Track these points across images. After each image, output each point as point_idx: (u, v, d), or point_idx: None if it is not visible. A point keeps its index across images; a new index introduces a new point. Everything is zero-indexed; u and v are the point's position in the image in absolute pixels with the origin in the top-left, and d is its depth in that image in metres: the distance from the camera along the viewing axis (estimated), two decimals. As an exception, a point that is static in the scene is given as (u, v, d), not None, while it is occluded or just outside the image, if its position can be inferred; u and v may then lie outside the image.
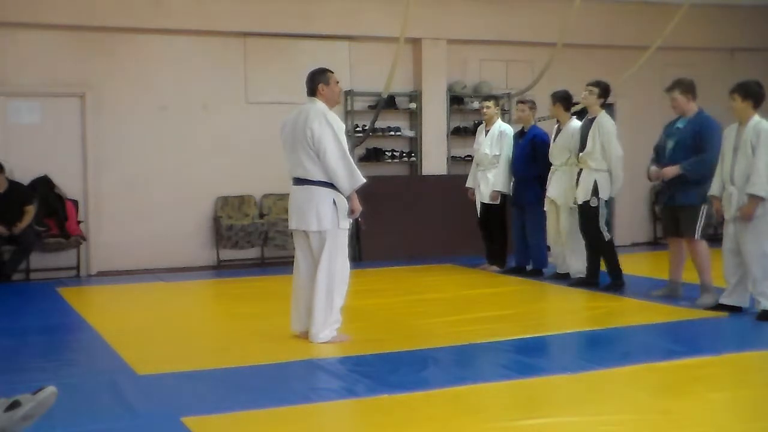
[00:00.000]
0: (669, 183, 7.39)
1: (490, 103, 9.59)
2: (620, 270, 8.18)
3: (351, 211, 5.95)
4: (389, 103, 11.14)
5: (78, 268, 10.17)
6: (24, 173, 9.99)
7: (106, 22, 10.21)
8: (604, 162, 8.05)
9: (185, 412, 4.35)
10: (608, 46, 12.26)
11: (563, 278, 8.68)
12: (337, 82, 6.06)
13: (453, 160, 11.81)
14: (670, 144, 7.40)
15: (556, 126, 8.87)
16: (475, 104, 11.89)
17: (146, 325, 7.05)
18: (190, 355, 5.80)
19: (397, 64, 10.15)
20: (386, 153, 11.38)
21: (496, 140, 9.43)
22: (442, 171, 11.66)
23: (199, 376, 5.19)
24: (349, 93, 11.13)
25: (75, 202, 10.22)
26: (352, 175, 5.83)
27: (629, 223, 12.81)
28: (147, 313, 7.68)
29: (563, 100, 8.77)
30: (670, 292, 7.62)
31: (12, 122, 10.05)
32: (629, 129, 12.78)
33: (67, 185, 10.24)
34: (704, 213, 7.26)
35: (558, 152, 8.69)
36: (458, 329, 6.42)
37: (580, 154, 8.20)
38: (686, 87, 7.42)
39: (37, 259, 10.00)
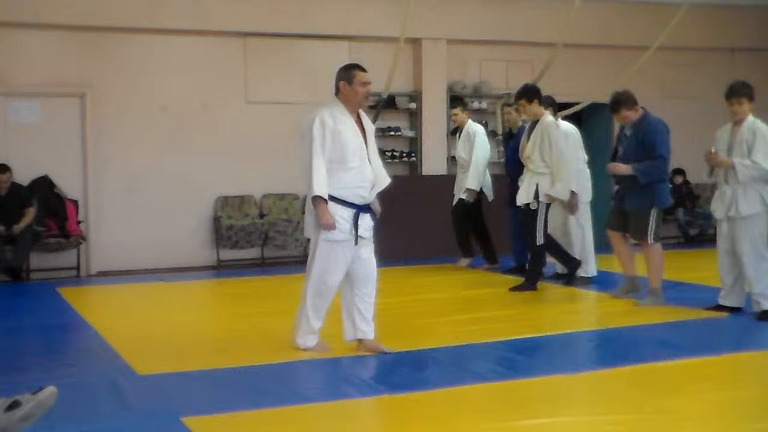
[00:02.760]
0: (621, 186, 7.39)
1: (458, 110, 9.81)
2: (538, 276, 8.20)
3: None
4: (389, 103, 11.14)
5: (78, 268, 10.17)
6: (24, 173, 9.99)
7: (107, 22, 10.21)
8: (544, 165, 8.02)
9: (185, 412, 4.35)
10: (608, 46, 12.26)
11: (563, 278, 8.69)
12: (365, 83, 5.49)
13: (453, 160, 11.77)
14: (620, 152, 7.43)
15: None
16: (476, 104, 11.90)
17: (146, 325, 7.05)
18: (190, 355, 5.80)
19: (397, 64, 10.16)
20: (386, 153, 11.37)
21: (466, 142, 9.67)
22: (442, 171, 11.67)
23: (199, 376, 5.19)
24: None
25: (75, 202, 10.22)
26: (309, 186, 5.36)
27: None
28: (147, 313, 7.68)
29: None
30: (630, 288, 7.56)
31: (12, 122, 10.06)
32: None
33: (67, 185, 10.24)
34: (654, 217, 7.22)
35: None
36: (458, 329, 6.42)
37: (524, 156, 8.20)
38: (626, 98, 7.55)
39: (37, 259, 10.00)
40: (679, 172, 12.84)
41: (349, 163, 5.38)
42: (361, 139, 5.47)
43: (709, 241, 12.94)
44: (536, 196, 8.02)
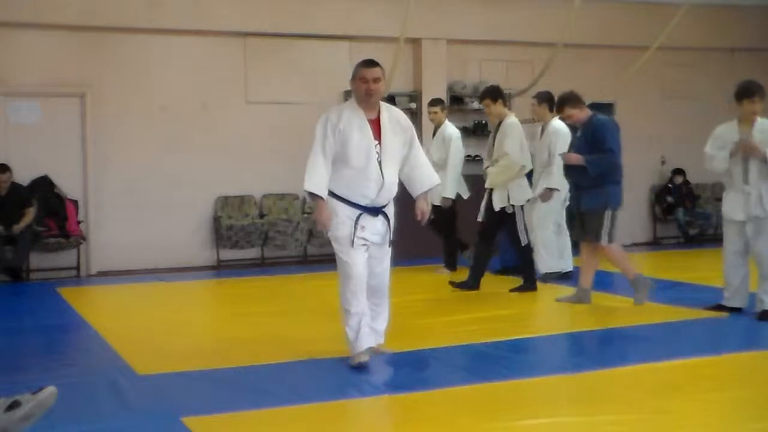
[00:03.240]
0: (576, 187, 7.40)
1: (437, 109, 9.49)
2: (533, 275, 8.17)
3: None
4: (389, 102, 11.13)
5: (78, 268, 10.17)
6: (24, 173, 9.99)
7: (107, 22, 10.21)
8: (526, 167, 8.02)
9: (185, 412, 4.35)
10: (608, 46, 12.26)
11: (562, 278, 8.69)
12: (364, 80, 5.25)
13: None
14: (571, 152, 7.43)
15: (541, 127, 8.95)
16: (475, 104, 11.89)
17: (146, 325, 7.05)
18: (190, 355, 5.80)
19: (397, 64, 10.16)
20: (386, 153, 11.37)
21: (440, 144, 9.33)
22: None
23: (199, 376, 5.19)
24: (349, 93, 11.13)
25: (75, 202, 10.22)
26: (304, 180, 5.26)
27: (629, 223, 12.80)
28: (147, 313, 7.68)
29: (548, 101, 8.77)
30: (579, 299, 7.44)
31: (12, 122, 10.06)
32: (629, 129, 12.75)
33: (67, 185, 10.24)
34: (609, 218, 7.21)
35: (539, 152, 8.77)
36: (458, 329, 6.41)
37: (491, 159, 8.21)
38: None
39: (37, 259, 10.00)
40: (679, 172, 12.84)
41: (352, 162, 5.19)
42: (371, 138, 5.22)
43: (709, 241, 12.95)
44: (509, 199, 7.97)
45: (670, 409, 4.37)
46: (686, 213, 12.80)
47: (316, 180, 5.20)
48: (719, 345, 5.91)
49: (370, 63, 5.35)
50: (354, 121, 5.24)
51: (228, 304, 8.24)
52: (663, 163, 13.11)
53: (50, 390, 3.81)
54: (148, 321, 7.22)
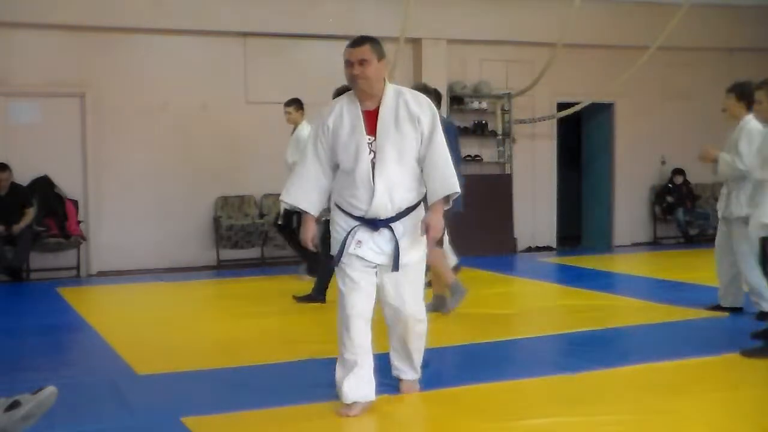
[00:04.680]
0: None
1: (290, 108, 9.01)
2: (323, 287, 7.58)
3: None
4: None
5: (78, 268, 10.17)
6: (24, 173, 9.99)
7: (106, 22, 10.21)
8: None
9: (185, 412, 4.35)
10: (608, 46, 12.26)
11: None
12: (348, 63, 4.33)
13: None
14: None
15: None
16: (476, 104, 11.90)
17: (146, 325, 7.05)
18: (190, 355, 5.80)
19: (397, 64, 10.16)
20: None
21: (295, 146, 8.74)
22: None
23: (199, 376, 5.19)
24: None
25: (75, 202, 10.22)
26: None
27: (629, 223, 12.82)
28: (147, 313, 7.68)
29: None
30: (435, 307, 6.99)
31: (12, 122, 10.05)
32: (629, 129, 12.82)
33: (67, 185, 10.24)
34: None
35: None
36: (457, 329, 6.41)
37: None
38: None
39: (37, 259, 10.00)
40: (679, 172, 12.83)
41: (343, 164, 4.37)
42: (362, 133, 4.31)
43: (709, 241, 12.91)
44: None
45: (670, 409, 4.38)
46: (686, 213, 12.80)
47: (296, 190, 4.48)
48: (719, 345, 5.90)
49: (356, 41, 4.36)
50: (345, 115, 4.39)
51: (228, 304, 8.23)
52: (663, 163, 13.10)
53: (50, 390, 3.81)
54: (148, 321, 7.22)
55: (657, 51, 10.78)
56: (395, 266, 4.31)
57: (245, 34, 10.91)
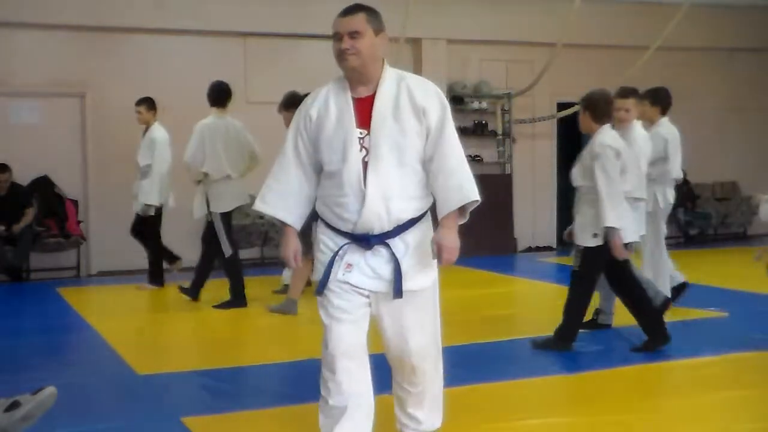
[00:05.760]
0: None
1: (142, 108, 8.83)
2: (240, 290, 7.66)
3: None
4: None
5: (78, 268, 10.17)
6: (24, 173, 9.99)
7: (107, 22, 10.21)
8: (211, 174, 7.69)
9: (185, 412, 4.36)
10: (608, 46, 12.26)
11: None
12: (337, 36, 3.54)
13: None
14: None
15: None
16: (476, 104, 11.90)
17: (146, 325, 7.06)
18: (190, 355, 5.81)
19: (397, 64, 10.14)
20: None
21: (146, 148, 8.71)
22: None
23: (199, 376, 5.19)
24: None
25: (75, 202, 10.22)
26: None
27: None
28: (147, 313, 7.69)
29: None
30: (283, 310, 7.15)
31: (12, 122, 10.06)
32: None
33: (67, 185, 10.24)
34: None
35: None
36: (457, 329, 6.41)
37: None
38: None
39: (37, 259, 10.00)
40: (680, 172, 12.82)
41: (328, 165, 3.49)
42: (351, 124, 3.44)
43: (709, 241, 12.97)
44: (209, 206, 7.69)
45: (669, 409, 4.38)
46: (686, 213, 12.80)
47: (273, 197, 3.63)
48: (719, 345, 5.90)
49: (348, 9, 3.56)
50: (333, 102, 3.53)
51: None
52: (663, 162, 13.09)
53: (50, 390, 3.80)
54: (148, 321, 7.23)
55: (657, 51, 10.78)
56: (396, 293, 3.41)
57: (245, 34, 10.91)
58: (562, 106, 12.09)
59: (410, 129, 3.43)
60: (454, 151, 3.49)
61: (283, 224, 3.62)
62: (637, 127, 6.56)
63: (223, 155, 7.68)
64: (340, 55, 3.46)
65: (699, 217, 12.88)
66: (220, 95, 8.04)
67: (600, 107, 5.73)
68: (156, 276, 8.88)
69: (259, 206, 3.64)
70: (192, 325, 7.09)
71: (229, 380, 5.07)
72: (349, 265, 3.45)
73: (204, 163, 7.63)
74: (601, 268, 5.78)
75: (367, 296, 3.47)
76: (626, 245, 5.67)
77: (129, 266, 10.33)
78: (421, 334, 3.59)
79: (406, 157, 3.42)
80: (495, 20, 11.78)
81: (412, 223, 3.46)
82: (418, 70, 11.61)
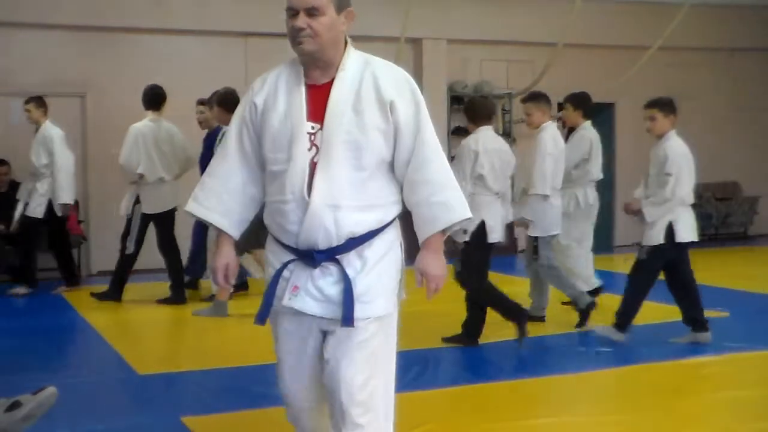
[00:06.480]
0: None
1: (30, 106, 8.63)
2: (121, 285, 8.05)
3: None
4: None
5: (78, 268, 10.16)
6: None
7: (107, 22, 10.21)
8: (146, 176, 7.91)
9: (185, 412, 4.36)
10: (608, 46, 12.26)
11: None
12: (291, 11, 2.87)
13: (453, 160, 11.79)
14: None
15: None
16: (476, 104, 11.90)
17: (146, 325, 7.06)
18: (190, 355, 5.81)
19: (398, 64, 10.15)
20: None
21: (40, 148, 8.52)
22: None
23: (199, 376, 5.19)
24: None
25: (75, 202, 10.20)
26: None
27: (630, 223, 12.77)
28: (147, 313, 7.68)
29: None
30: (214, 312, 7.25)
31: (12, 122, 10.05)
32: (630, 129, 12.80)
33: (68, 185, 10.22)
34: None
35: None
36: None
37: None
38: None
39: (37, 259, 9.97)
40: (680, 171, 12.82)
41: (272, 164, 2.88)
42: (301, 116, 2.82)
43: (710, 241, 12.96)
44: (136, 203, 7.92)
45: (670, 409, 4.38)
46: (687, 213, 12.79)
47: (207, 197, 2.99)
48: (719, 345, 5.90)
49: None
50: (282, 89, 2.91)
51: (228, 303, 8.22)
52: (664, 162, 13.10)
53: (50, 390, 3.81)
54: (148, 321, 7.22)
55: (657, 51, 10.78)
56: (346, 320, 2.77)
57: (246, 34, 10.90)
58: (562, 107, 12.07)
59: (372, 125, 2.81)
60: (437, 157, 2.86)
61: (218, 231, 3.00)
62: (551, 129, 6.83)
63: (157, 158, 7.95)
64: (294, 36, 2.84)
65: (700, 217, 12.87)
66: (154, 99, 8.23)
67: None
68: (72, 279, 8.93)
69: (191, 207, 3.00)
70: (192, 325, 7.09)
71: (229, 380, 5.07)
72: (296, 288, 2.85)
73: (139, 165, 7.87)
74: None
75: (319, 320, 2.86)
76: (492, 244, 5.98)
77: (129, 266, 10.33)
78: (359, 381, 2.83)
79: (365, 158, 2.79)
80: (495, 20, 11.77)
81: (371, 235, 2.84)
82: (418, 70, 11.61)
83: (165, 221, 8.07)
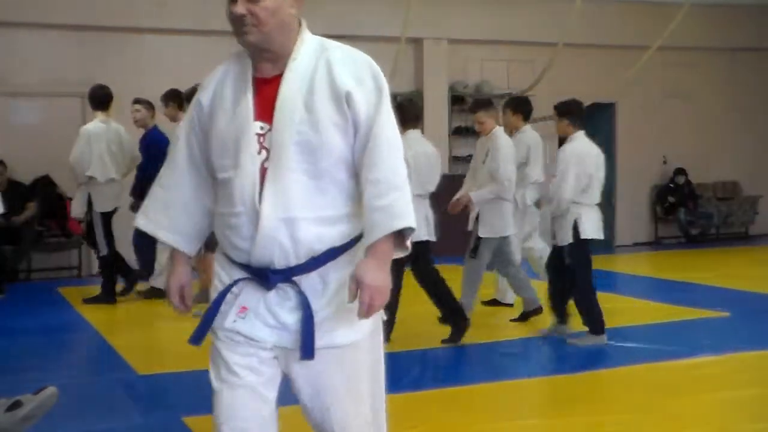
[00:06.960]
0: None
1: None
2: (111, 288, 8.11)
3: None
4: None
5: (79, 268, 10.17)
6: (25, 173, 9.99)
7: (108, 22, 10.21)
8: (97, 177, 7.97)
9: (186, 412, 4.36)
10: (608, 46, 12.27)
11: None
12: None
13: (454, 160, 11.81)
14: None
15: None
16: (476, 104, 11.90)
17: (147, 325, 7.06)
18: (191, 355, 5.79)
19: (399, 64, 10.15)
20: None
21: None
22: (443, 171, 11.65)
23: (199, 375, 5.19)
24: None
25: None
26: None
27: (630, 223, 12.81)
28: (147, 313, 7.68)
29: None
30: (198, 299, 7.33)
31: (12, 122, 10.06)
32: (630, 129, 12.83)
33: (68, 185, 10.21)
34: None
35: None
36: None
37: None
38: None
39: (38, 259, 10.00)
40: (681, 171, 12.83)
41: (218, 173, 2.49)
42: (248, 115, 2.41)
43: (710, 241, 12.97)
44: (90, 206, 7.97)
45: (669, 409, 4.38)
46: (688, 213, 12.80)
47: (155, 211, 2.66)
48: (719, 345, 5.91)
49: None
50: (229, 85, 2.50)
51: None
52: (665, 162, 13.11)
53: (51, 390, 3.81)
54: (148, 321, 7.23)
55: (658, 51, 10.78)
56: (305, 351, 2.39)
57: (246, 34, 10.90)
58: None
59: (327, 122, 2.36)
60: (390, 155, 2.36)
61: (171, 248, 2.66)
62: (502, 133, 6.94)
63: (108, 159, 8.05)
64: (235, 26, 2.41)
65: (700, 216, 12.88)
66: (102, 99, 8.25)
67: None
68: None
69: (140, 222, 2.67)
70: (192, 325, 7.08)
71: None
72: (244, 309, 2.47)
73: (90, 166, 7.92)
74: None
75: (272, 349, 2.47)
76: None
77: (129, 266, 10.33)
78: (352, 404, 2.51)
79: (322, 161, 2.36)
80: (496, 20, 11.78)
81: (334, 253, 2.40)
82: (419, 70, 11.62)
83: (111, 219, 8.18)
